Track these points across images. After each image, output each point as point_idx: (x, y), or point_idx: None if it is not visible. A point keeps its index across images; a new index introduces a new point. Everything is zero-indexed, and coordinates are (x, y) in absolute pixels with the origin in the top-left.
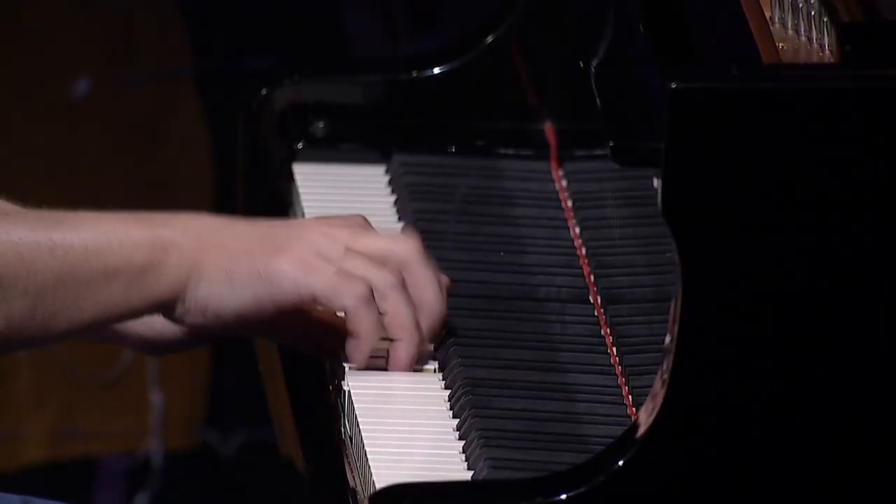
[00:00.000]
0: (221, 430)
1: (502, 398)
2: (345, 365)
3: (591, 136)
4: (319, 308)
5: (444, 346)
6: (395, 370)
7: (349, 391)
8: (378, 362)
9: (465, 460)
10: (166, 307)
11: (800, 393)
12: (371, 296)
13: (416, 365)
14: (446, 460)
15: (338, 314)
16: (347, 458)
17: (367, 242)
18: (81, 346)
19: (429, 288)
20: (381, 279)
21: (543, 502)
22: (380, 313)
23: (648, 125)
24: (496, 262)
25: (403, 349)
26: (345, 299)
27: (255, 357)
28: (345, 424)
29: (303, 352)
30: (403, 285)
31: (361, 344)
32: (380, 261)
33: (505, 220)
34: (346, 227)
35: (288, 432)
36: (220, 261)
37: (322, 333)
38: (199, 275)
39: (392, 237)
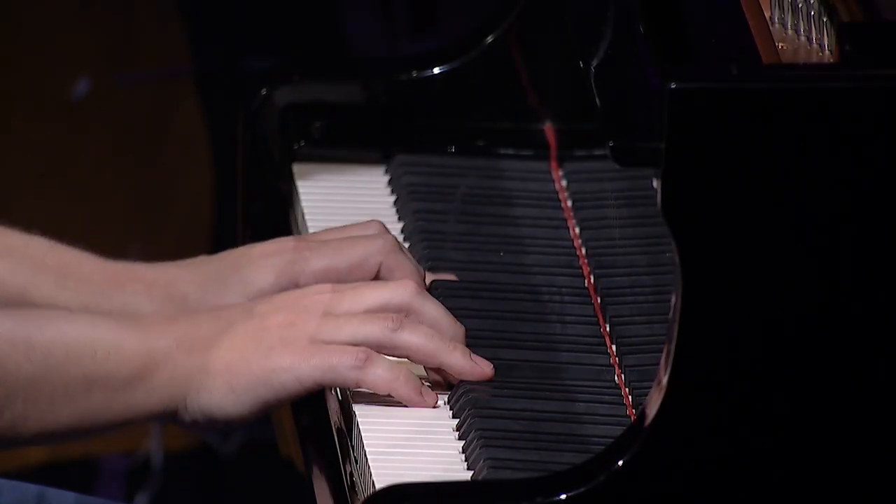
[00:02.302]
0: (221, 430)
1: (502, 398)
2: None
3: (591, 136)
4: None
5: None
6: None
7: (349, 391)
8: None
9: (465, 460)
10: (164, 418)
11: (800, 393)
12: (368, 356)
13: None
14: (446, 460)
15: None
16: (347, 458)
17: (360, 300)
18: None
19: (439, 321)
20: (376, 333)
21: (543, 502)
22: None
23: (648, 125)
24: (496, 262)
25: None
26: (347, 378)
27: None
28: (344, 425)
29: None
30: (404, 320)
31: (398, 393)
32: (376, 313)
33: (505, 220)
34: (335, 293)
35: (288, 432)
36: (217, 374)
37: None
38: (197, 387)
39: (385, 285)
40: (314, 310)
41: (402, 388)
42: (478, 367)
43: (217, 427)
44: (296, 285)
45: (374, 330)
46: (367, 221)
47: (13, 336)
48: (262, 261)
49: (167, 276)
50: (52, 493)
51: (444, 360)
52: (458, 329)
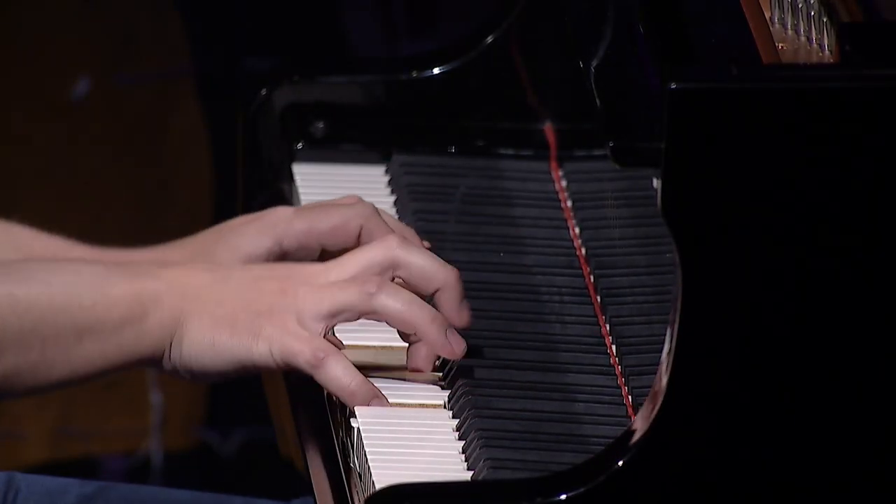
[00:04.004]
0: (221, 430)
1: (502, 398)
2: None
3: (591, 136)
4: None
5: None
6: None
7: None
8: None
9: (465, 460)
10: (152, 362)
11: (800, 393)
12: (325, 355)
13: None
14: (446, 460)
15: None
16: (347, 458)
17: (346, 267)
18: None
19: (426, 269)
20: (353, 299)
21: (543, 502)
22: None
23: (648, 125)
24: (496, 262)
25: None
26: (305, 367)
27: None
28: (344, 425)
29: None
30: (385, 284)
31: (347, 398)
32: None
33: (505, 220)
34: (327, 263)
35: (288, 432)
36: (202, 325)
37: None
38: (181, 336)
39: (367, 246)
40: (304, 280)
41: (352, 397)
42: (448, 345)
43: (191, 378)
44: (280, 247)
45: (351, 296)
46: (347, 196)
47: None
48: (245, 226)
49: (156, 255)
50: (20, 476)
51: (420, 330)
52: (447, 273)
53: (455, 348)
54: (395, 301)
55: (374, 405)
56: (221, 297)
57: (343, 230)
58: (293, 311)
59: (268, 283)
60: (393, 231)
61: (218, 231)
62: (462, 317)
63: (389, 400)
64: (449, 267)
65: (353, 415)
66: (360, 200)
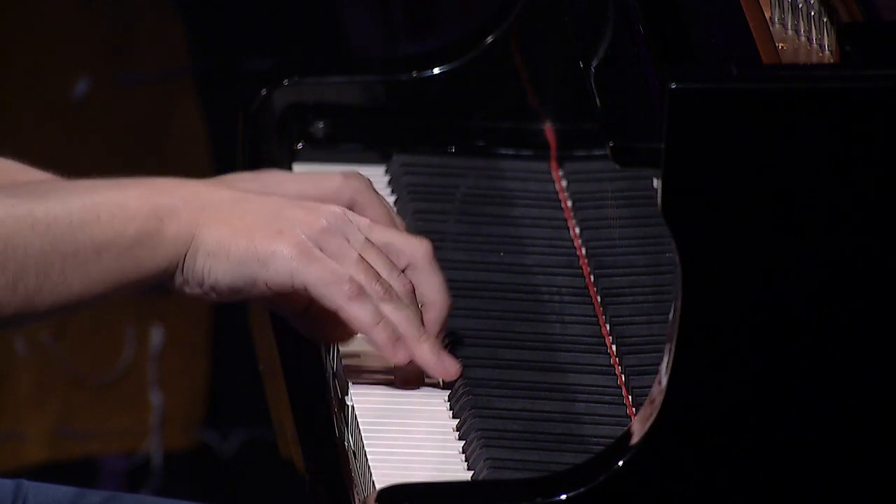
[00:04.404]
0: (221, 430)
1: (502, 398)
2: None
3: (591, 136)
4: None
5: (444, 343)
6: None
7: (349, 390)
8: (384, 379)
9: (465, 460)
10: (166, 277)
11: (800, 393)
12: (362, 292)
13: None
14: (446, 460)
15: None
16: (347, 458)
17: (388, 235)
18: (81, 346)
19: (438, 290)
20: (395, 281)
21: (543, 502)
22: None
23: (648, 125)
24: (496, 262)
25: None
26: (336, 298)
27: (255, 357)
28: (344, 425)
29: (304, 333)
30: (395, 295)
31: (372, 337)
32: (393, 256)
33: (505, 220)
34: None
35: (288, 432)
36: (219, 235)
37: (323, 318)
38: (196, 246)
39: (402, 234)
40: (330, 220)
41: (377, 335)
42: (440, 366)
43: (201, 293)
44: None
45: (392, 281)
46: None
47: (17, 212)
48: (240, 183)
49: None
50: (28, 484)
51: (411, 349)
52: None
53: (448, 368)
54: (396, 315)
55: (398, 349)
56: (243, 211)
57: (333, 200)
58: (315, 240)
59: (294, 211)
60: (384, 214)
61: (219, 181)
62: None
63: (390, 400)
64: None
65: (353, 415)
66: (357, 175)
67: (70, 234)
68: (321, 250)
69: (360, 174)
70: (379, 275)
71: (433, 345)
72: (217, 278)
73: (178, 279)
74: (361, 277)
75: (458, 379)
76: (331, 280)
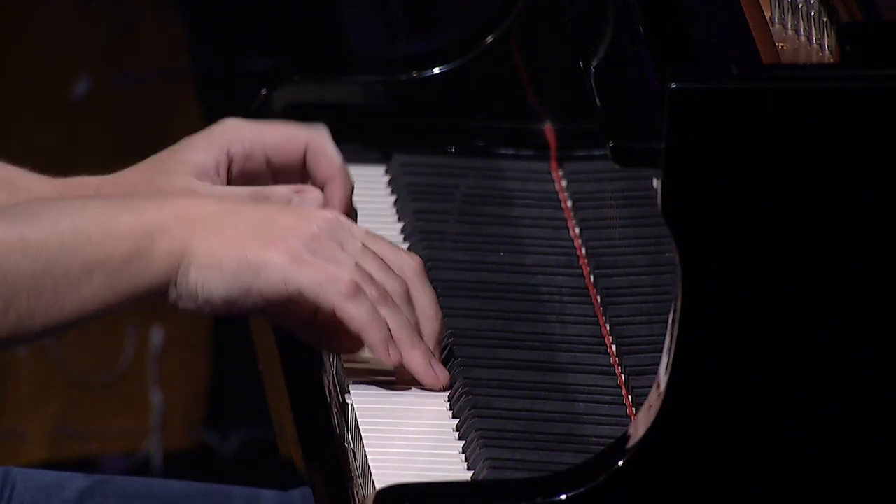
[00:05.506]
0: (221, 430)
1: (502, 398)
2: (344, 366)
3: (591, 136)
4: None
5: (444, 346)
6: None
7: (348, 390)
8: (384, 379)
9: (465, 460)
10: (159, 292)
11: (800, 393)
12: (358, 290)
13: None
14: (446, 460)
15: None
16: (347, 458)
17: (380, 247)
18: (81, 346)
19: (431, 302)
20: (390, 285)
21: (543, 502)
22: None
23: (648, 125)
24: (496, 262)
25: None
26: (331, 297)
27: (255, 357)
28: (344, 425)
29: (307, 342)
30: (390, 299)
31: (366, 336)
32: (390, 267)
33: (505, 220)
34: (346, 221)
35: (288, 432)
36: (211, 248)
37: (330, 329)
38: (189, 261)
39: (392, 246)
40: (322, 226)
41: (372, 334)
42: (430, 374)
43: (196, 307)
44: (227, 155)
45: (390, 283)
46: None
47: (7, 236)
48: (195, 138)
49: (113, 177)
50: (17, 471)
51: (404, 353)
52: (437, 324)
53: (440, 377)
54: (390, 318)
55: (392, 351)
56: (233, 223)
57: (289, 145)
58: (306, 245)
59: (284, 218)
60: (339, 167)
61: (173, 147)
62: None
63: (390, 400)
64: (441, 319)
65: (354, 415)
66: (318, 125)
67: (61, 257)
68: (313, 256)
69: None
70: (373, 277)
71: (425, 352)
72: (211, 291)
73: (172, 294)
74: (357, 278)
75: (457, 379)
76: (324, 280)
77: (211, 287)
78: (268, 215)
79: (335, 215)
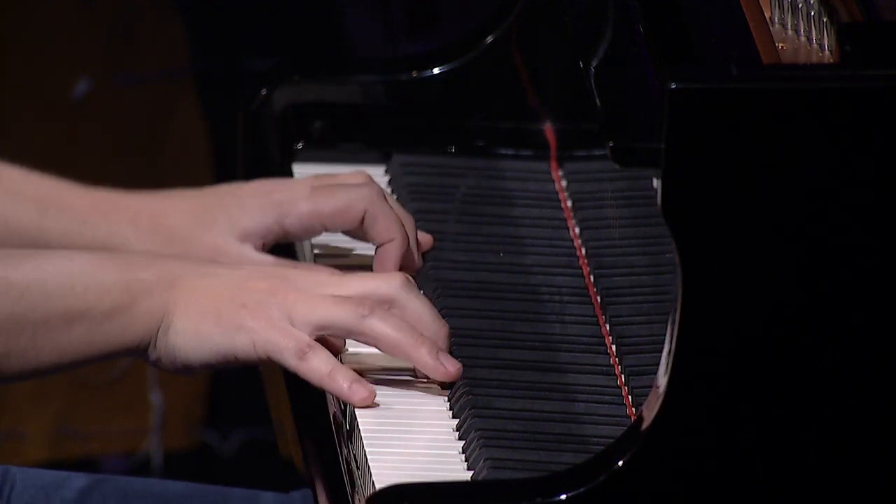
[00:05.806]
0: (221, 430)
1: (502, 398)
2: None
3: (591, 136)
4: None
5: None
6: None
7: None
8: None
9: (465, 460)
10: (138, 352)
11: (800, 392)
12: (307, 349)
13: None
14: (446, 460)
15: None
16: (347, 457)
17: (344, 286)
18: None
19: (422, 315)
20: (345, 317)
21: (543, 502)
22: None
23: (648, 125)
24: (496, 262)
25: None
26: (288, 362)
27: None
28: (344, 424)
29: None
30: (377, 308)
31: (327, 388)
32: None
33: (505, 220)
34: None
35: (288, 432)
36: (188, 314)
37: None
38: (167, 325)
39: (373, 276)
40: (297, 287)
41: (332, 384)
42: (441, 367)
43: (175, 370)
44: (281, 227)
45: (344, 314)
46: (356, 171)
47: None
48: (249, 200)
49: (153, 206)
50: (16, 470)
51: (410, 354)
52: (440, 327)
53: (449, 369)
54: (385, 326)
55: (355, 391)
56: (209, 289)
57: (347, 214)
58: (282, 309)
59: (258, 283)
60: (395, 221)
61: (223, 198)
62: (440, 370)
63: (390, 400)
64: (442, 321)
65: (353, 415)
66: (368, 180)
67: (43, 303)
68: (291, 316)
69: (372, 182)
70: (351, 297)
71: (431, 347)
72: (188, 357)
73: (153, 355)
74: (336, 313)
75: (457, 379)
76: (283, 345)
77: (188, 352)
78: (244, 279)
79: (307, 269)
